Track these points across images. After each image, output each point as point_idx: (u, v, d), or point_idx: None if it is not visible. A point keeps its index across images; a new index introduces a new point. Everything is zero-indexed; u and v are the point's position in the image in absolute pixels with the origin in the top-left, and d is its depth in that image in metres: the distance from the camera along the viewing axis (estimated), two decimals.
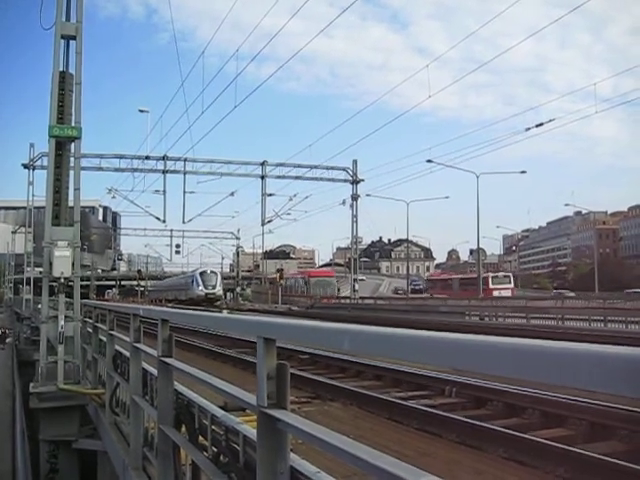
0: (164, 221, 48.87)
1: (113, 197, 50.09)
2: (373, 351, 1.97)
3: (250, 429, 2.90)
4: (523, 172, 60.98)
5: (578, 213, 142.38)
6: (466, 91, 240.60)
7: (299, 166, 47.79)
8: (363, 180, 49.56)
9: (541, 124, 33.60)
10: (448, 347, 1.50)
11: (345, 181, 49.60)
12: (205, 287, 65.80)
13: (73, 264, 12.49)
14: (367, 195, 51.02)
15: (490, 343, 1.40)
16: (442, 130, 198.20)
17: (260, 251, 68.64)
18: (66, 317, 12.44)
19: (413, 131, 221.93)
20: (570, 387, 1.08)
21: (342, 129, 43.01)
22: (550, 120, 33.44)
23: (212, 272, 69.56)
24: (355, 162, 49.46)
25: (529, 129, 34.26)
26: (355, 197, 49.58)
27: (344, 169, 49.25)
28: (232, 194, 50.95)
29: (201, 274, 67.93)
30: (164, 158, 44.83)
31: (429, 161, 42.13)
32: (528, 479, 5.41)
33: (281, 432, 2.45)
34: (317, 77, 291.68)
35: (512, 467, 5.68)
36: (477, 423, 6.77)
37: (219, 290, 68.12)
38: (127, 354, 6.61)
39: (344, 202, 50.13)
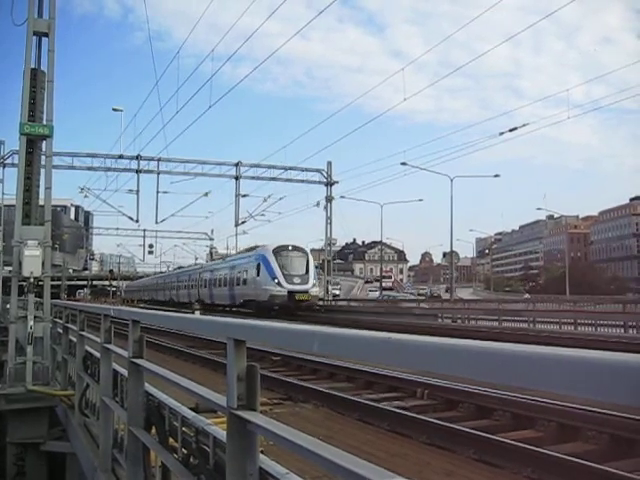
0: (137, 221, 48.30)
1: (85, 196, 49.55)
2: (342, 353, 1.98)
3: (220, 431, 2.90)
4: (497, 176, 61.31)
5: (550, 217, 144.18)
6: (441, 95, 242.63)
7: (274, 167, 47.73)
8: (337, 182, 49.58)
9: (515, 128, 33.91)
10: (416, 349, 1.51)
11: (319, 183, 49.59)
12: (287, 280, 35.96)
13: (43, 264, 12.35)
14: (341, 197, 50.86)
15: (461, 347, 1.41)
16: (417, 133, 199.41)
17: (234, 252, 59.16)
18: (36, 317, 12.31)
19: (388, 134, 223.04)
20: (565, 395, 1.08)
21: (317, 131, 43.17)
22: (524, 125, 33.74)
23: (295, 248, 38.47)
24: (330, 164, 49.46)
25: (503, 133, 34.55)
26: (329, 199, 49.57)
27: (318, 171, 49.26)
28: (206, 194, 50.60)
29: (276, 252, 37.15)
30: (138, 157, 44.43)
31: (403, 164, 42.24)
32: (496, 479, 5.46)
33: (251, 433, 2.45)
34: (293, 79, 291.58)
35: (481, 468, 5.72)
36: (448, 425, 6.81)
37: (314, 286, 37.89)
38: (97, 355, 6.56)
39: (318, 204, 49.93)
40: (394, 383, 9.73)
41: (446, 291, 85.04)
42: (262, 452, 2.63)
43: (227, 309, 45.26)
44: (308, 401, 9.23)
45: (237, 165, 48.28)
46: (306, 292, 36.44)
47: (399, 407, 8.05)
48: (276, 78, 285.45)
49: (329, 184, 49.40)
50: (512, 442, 6.01)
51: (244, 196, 49.03)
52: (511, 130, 34.04)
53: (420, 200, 72.18)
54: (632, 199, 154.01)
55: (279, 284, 36.07)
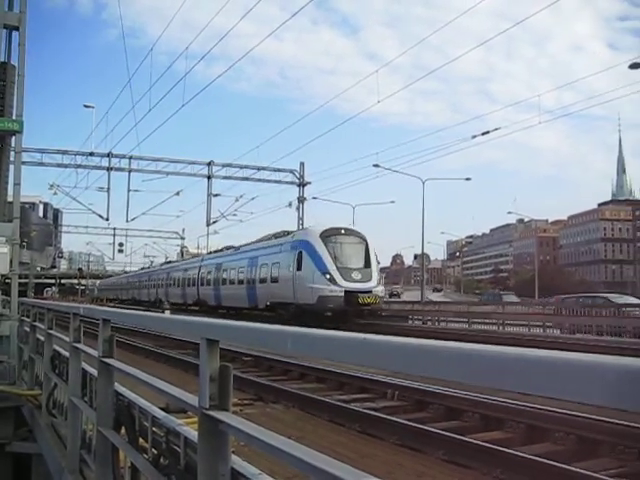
0: (107, 219, 47.71)
1: (55, 193, 48.89)
2: (317, 353, 1.98)
3: (191, 431, 2.88)
4: (468, 179, 61.94)
5: (520, 221, 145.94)
6: (415, 97, 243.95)
7: (246, 167, 47.49)
8: (310, 183, 49.56)
9: (487, 132, 34.22)
10: (393, 350, 1.52)
11: (292, 183, 49.58)
12: (344, 276, 26.55)
13: (11, 261, 12.16)
14: (313, 198, 50.81)
15: (436, 348, 1.42)
16: (390, 135, 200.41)
17: (205, 252, 57.38)
18: (2, 316, 12.11)
19: (362, 135, 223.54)
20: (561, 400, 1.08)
21: (290, 131, 42.98)
22: (495, 129, 34.01)
23: (349, 232, 29.14)
24: (302, 164, 49.43)
25: (475, 137, 34.81)
26: (301, 199, 49.56)
27: (291, 171, 49.21)
28: (178, 193, 50.16)
29: (326, 237, 27.80)
30: (109, 155, 43.91)
31: (376, 165, 42.30)
32: None
33: (223, 434, 2.44)
34: (267, 79, 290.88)
35: (451, 469, 5.77)
36: (418, 426, 6.85)
37: (379, 284, 28.69)
38: (66, 354, 6.47)
39: (290, 204, 49.90)
40: (365, 384, 9.76)
41: (434, 291, 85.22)
42: (233, 452, 2.61)
43: (233, 312, 36.04)
44: (279, 402, 9.22)
45: (209, 164, 48.00)
46: (370, 292, 26.15)
47: (370, 408, 8.08)
48: (250, 78, 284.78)
49: (301, 185, 49.39)
50: (482, 443, 6.07)
51: (216, 195, 48.76)
52: (483, 134, 34.36)
53: (392, 202, 72.41)
54: (600, 204, 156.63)
55: (333, 281, 25.88)
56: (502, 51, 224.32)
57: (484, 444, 6.03)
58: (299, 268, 27.48)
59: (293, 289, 27.54)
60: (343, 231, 28.74)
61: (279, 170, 48.64)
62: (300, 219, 49.49)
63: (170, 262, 61.78)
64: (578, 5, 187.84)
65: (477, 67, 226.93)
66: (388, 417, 7.38)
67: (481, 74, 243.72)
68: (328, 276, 26.25)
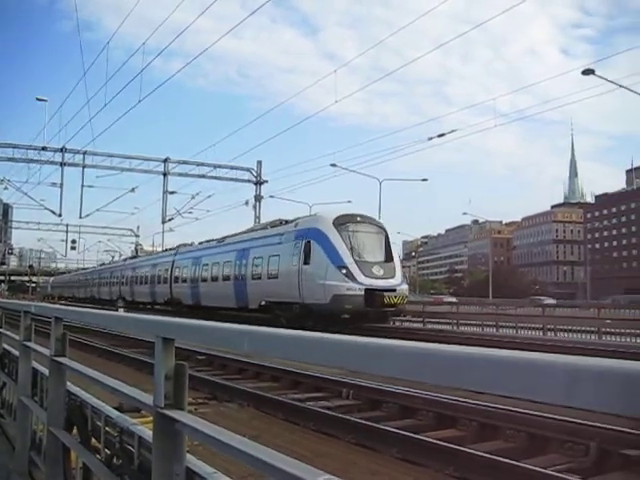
0: (60, 215, 46.86)
1: (5, 188, 47.87)
2: (274, 353, 1.99)
3: (146, 430, 2.85)
4: (424, 180, 62.48)
5: (475, 222, 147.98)
6: (372, 98, 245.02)
7: (203, 165, 47.17)
8: (267, 181, 49.51)
9: (443, 134, 34.69)
10: (350, 349, 1.53)
11: (249, 182, 49.43)
12: (364, 271, 22.69)
13: None
14: (270, 196, 50.72)
15: (389, 347, 1.43)
16: (348, 135, 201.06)
17: (160, 249, 56.51)
18: None
19: (320, 134, 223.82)
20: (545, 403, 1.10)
21: (248, 129, 42.88)
22: (452, 131, 34.50)
23: (366, 220, 25.04)
24: (259, 163, 49.35)
25: (431, 138, 35.20)
26: (258, 198, 49.45)
27: (248, 169, 49.06)
28: (133, 190, 49.57)
29: (340, 225, 23.84)
30: (62, 150, 43.08)
31: (333, 165, 42.50)
32: (420, 478, 5.56)
33: (178, 433, 2.42)
34: (226, 76, 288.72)
35: (405, 467, 5.82)
36: (372, 424, 6.91)
37: (403, 282, 25.14)
38: (16, 353, 6.34)
39: (247, 203, 49.71)
40: (320, 383, 9.79)
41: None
42: (188, 451, 2.60)
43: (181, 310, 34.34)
44: (233, 401, 9.19)
45: (165, 161, 47.52)
46: (393, 291, 22.60)
47: (325, 407, 8.11)
48: (207, 75, 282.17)
49: (258, 183, 49.29)
50: (435, 441, 6.15)
51: (172, 193, 48.30)
52: (439, 136, 34.80)
53: (349, 202, 72.53)
54: (553, 206, 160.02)
55: (351, 277, 22.03)
56: (459, 54, 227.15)
57: (437, 442, 6.11)
58: (307, 261, 23.29)
59: (298, 286, 23.38)
60: (359, 218, 24.54)
61: (236, 168, 48.47)
62: (257, 218, 49.36)
63: (136, 257, 58.20)
64: (534, 11, 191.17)
65: (435, 69, 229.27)
66: (343, 416, 7.42)
67: (438, 76, 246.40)
68: (344, 271, 22.17)
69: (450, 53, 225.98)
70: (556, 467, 5.48)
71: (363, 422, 7.04)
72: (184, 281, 36.05)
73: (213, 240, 35.77)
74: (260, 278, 26.84)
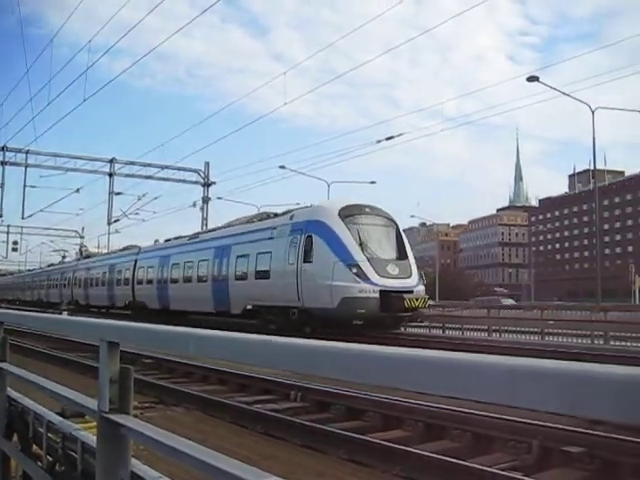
0: (1, 216, 45.61)
1: None
2: (219, 355, 1.98)
3: (90, 435, 2.81)
4: (373, 182, 62.80)
5: (422, 224, 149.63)
6: (322, 100, 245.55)
7: (150, 165, 46.51)
8: (215, 183, 49.17)
9: (391, 137, 35.01)
10: (296, 352, 1.54)
11: (196, 183, 49.02)
12: (378, 270, 19.59)
13: None
14: (218, 198, 50.41)
15: (337, 349, 1.45)
16: (298, 137, 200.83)
17: (105, 251, 53.49)
18: None
19: (270, 136, 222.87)
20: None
21: (197, 130, 42.54)
22: (400, 134, 34.86)
23: (374, 211, 21.80)
24: (207, 164, 49.00)
25: (380, 141, 35.51)
26: (206, 199, 49.07)
27: (196, 171, 48.65)
28: (77, 191, 48.47)
29: (347, 216, 20.73)
30: (3, 149, 41.91)
31: (282, 167, 42.60)
32: (366, 478, 5.60)
33: (123, 437, 2.39)
34: (174, 76, 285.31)
35: (352, 468, 5.86)
36: (320, 426, 6.93)
37: (421, 283, 21.63)
38: None
39: (194, 204, 49.30)
40: (268, 386, 9.77)
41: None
42: (134, 456, 2.57)
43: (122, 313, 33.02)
44: (180, 404, 9.09)
45: (111, 162, 46.69)
46: (410, 292, 19.78)
47: (272, 410, 8.10)
48: (155, 74, 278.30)
49: (206, 185, 48.92)
50: (381, 442, 6.21)
51: (118, 194, 47.49)
52: (387, 139, 35.11)
53: (297, 204, 72.52)
54: (499, 210, 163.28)
55: (363, 277, 19.12)
56: (408, 58, 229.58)
57: (384, 443, 6.17)
58: (307, 259, 20.29)
59: (297, 288, 20.34)
60: (367, 209, 21.49)
61: (184, 169, 48.00)
62: (204, 219, 48.97)
63: (90, 256, 53.48)
64: (482, 18, 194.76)
65: (384, 73, 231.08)
66: (290, 418, 7.43)
67: (387, 80, 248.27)
68: (355, 270, 19.15)
69: (399, 57, 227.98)
70: (500, 465, 5.58)
71: (310, 424, 7.06)
72: (149, 282, 32.73)
73: (184, 237, 32.54)
74: (245, 279, 23.70)
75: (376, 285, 19.17)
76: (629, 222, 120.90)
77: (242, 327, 19.99)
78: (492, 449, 6.29)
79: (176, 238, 33.49)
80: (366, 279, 19.16)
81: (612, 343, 18.97)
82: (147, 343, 2.60)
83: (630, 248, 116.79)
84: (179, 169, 47.59)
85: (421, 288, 21.00)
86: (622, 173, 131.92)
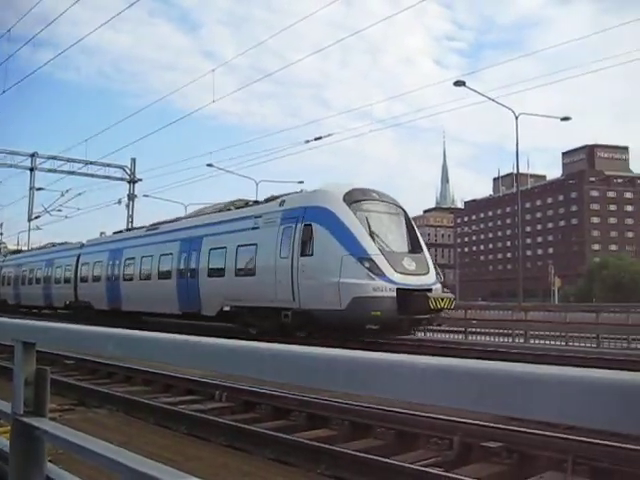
0: None
1: None
2: (140, 355, 1.94)
3: (2, 440, 2.71)
4: (300, 182, 62.84)
5: None
6: (251, 99, 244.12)
7: (73, 161, 45.28)
8: (141, 180, 48.34)
9: (319, 137, 35.18)
10: (213, 351, 1.52)
11: (122, 179, 48.03)
12: (394, 266, 16.72)
13: None
14: (144, 195, 49.58)
15: (255, 349, 1.44)
16: (227, 135, 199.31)
17: (26, 248, 50.85)
18: None
19: (198, 133, 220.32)
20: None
21: (123, 126, 41.68)
22: (328, 135, 35.09)
23: (381, 196, 19.10)
24: (133, 160, 48.13)
25: (308, 142, 35.64)
26: (132, 197, 48.15)
27: (122, 167, 47.67)
28: None
29: (354, 202, 17.85)
30: None
31: (210, 165, 42.18)
32: (292, 478, 5.60)
33: (38, 441, 2.32)
34: (100, 70, 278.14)
35: (277, 467, 5.85)
36: (245, 426, 6.90)
37: (437, 281, 18.08)
38: None
39: (120, 201, 48.30)
40: (193, 386, 9.65)
41: None
42: (50, 461, 2.49)
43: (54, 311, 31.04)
44: (102, 406, 8.88)
45: (33, 156, 45.26)
46: (429, 291, 17.21)
47: (197, 410, 8.01)
48: (80, 68, 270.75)
49: (132, 181, 48.01)
50: (307, 441, 6.23)
51: (39, 189, 46.11)
52: (316, 139, 35.28)
53: None
54: (425, 211, 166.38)
55: (378, 273, 16.46)
56: (338, 59, 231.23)
57: (309, 442, 6.19)
58: (306, 252, 17.46)
59: (292, 286, 17.53)
60: (375, 194, 18.89)
61: (109, 165, 46.96)
62: (130, 217, 48.04)
63: (21, 251, 49.42)
64: (411, 22, 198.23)
65: (314, 73, 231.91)
66: (215, 418, 7.36)
67: (317, 80, 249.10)
68: (368, 264, 16.39)
69: (329, 58, 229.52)
70: (422, 462, 5.68)
71: (235, 424, 7.02)
72: (96, 280, 29.13)
73: (140, 228, 29.24)
74: (222, 275, 20.62)
75: (393, 282, 16.41)
76: (550, 225, 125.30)
77: (217, 331, 18.50)
78: (416, 446, 6.39)
79: (128, 230, 30.62)
80: (381, 275, 16.37)
81: (532, 342, 19.59)
82: (65, 343, 2.52)
83: (551, 250, 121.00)
84: (104, 165, 46.53)
85: (439, 287, 18.11)
86: (544, 177, 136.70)
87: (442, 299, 17.09)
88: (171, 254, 23.59)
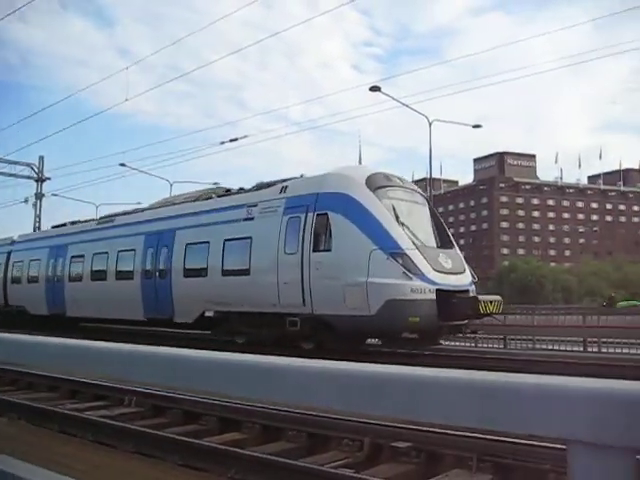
0: None
1: None
2: (26, 360, 1.86)
3: None
4: (216, 184, 62.38)
5: None
6: (167, 98, 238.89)
7: None
8: (49, 178, 46.73)
9: (235, 139, 34.96)
10: (106, 356, 1.47)
11: (29, 178, 46.26)
12: (434, 266, 14.21)
13: None
14: (53, 195, 47.89)
15: (142, 353, 1.40)
16: (141, 134, 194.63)
17: None
18: None
19: (110, 132, 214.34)
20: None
21: (30, 122, 40.17)
22: (244, 136, 34.88)
23: (402, 182, 16.68)
24: (42, 158, 46.45)
25: (224, 143, 35.36)
26: (39, 196, 46.47)
27: (29, 165, 45.92)
28: None
29: (377, 191, 15.04)
30: None
31: (122, 165, 41.26)
32: None
33: None
34: (5, 62, 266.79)
35: (187, 473, 5.75)
36: (153, 432, 6.76)
37: (472, 282, 15.65)
38: None
39: (26, 200, 46.56)
40: (101, 391, 9.38)
41: None
42: None
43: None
44: (4, 414, 8.50)
45: None
46: (466, 292, 15.07)
47: (105, 416, 7.79)
48: None
49: (40, 180, 46.34)
50: (217, 445, 6.16)
51: None
52: (232, 140, 35.04)
53: (139, 203, 70.63)
54: None
55: (415, 272, 14.01)
56: (256, 61, 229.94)
57: (219, 446, 6.13)
58: (320, 246, 14.89)
59: (302, 287, 14.87)
60: (398, 180, 16.34)
61: (15, 163, 45.12)
62: (37, 217, 46.35)
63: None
64: (329, 26, 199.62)
65: (232, 74, 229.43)
66: (122, 424, 7.17)
67: (235, 81, 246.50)
68: (401, 261, 13.90)
69: (248, 59, 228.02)
70: (333, 464, 5.72)
71: (144, 430, 6.86)
72: (33, 281, 25.35)
73: (87, 221, 25.50)
74: (204, 275, 17.67)
75: (432, 283, 13.97)
76: (462, 229, 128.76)
77: (194, 340, 16.42)
78: (327, 448, 6.42)
79: (73, 223, 26.28)
80: (419, 274, 13.90)
81: (446, 343, 20.05)
82: None
83: (463, 253, 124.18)
84: (9, 162, 44.68)
85: (474, 288, 15.80)
86: (456, 182, 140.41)
87: (491, 302, 14.71)
88: (133, 250, 20.33)
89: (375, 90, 30.77)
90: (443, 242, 15.91)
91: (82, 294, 22.48)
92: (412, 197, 16.24)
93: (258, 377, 1.14)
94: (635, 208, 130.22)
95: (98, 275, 21.85)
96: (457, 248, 16.34)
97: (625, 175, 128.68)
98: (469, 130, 36.55)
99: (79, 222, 25.95)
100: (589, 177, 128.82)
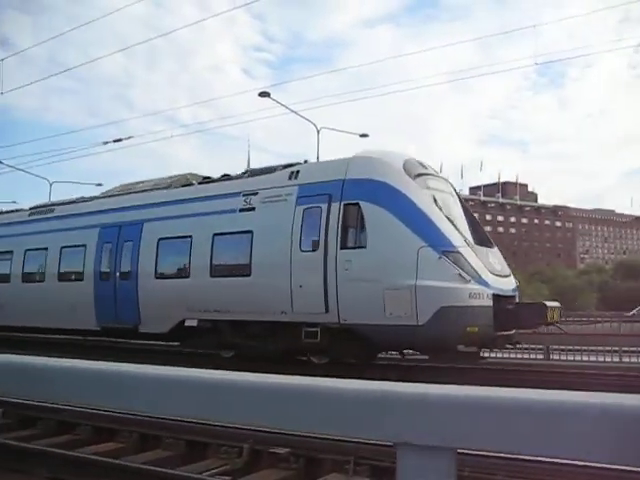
0: None
1: None
2: None
3: None
4: (99, 185, 60.41)
5: None
6: (49, 94, 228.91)
7: None
8: None
9: (119, 140, 34.00)
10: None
11: None
12: (488, 267, 12.03)
13: None
14: None
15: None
16: (20, 131, 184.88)
17: None
18: None
19: None
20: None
21: None
22: (129, 137, 33.99)
23: (432, 170, 14.10)
24: None
25: (107, 143, 34.35)
26: None
27: None
28: None
29: (417, 178, 12.75)
30: None
31: None
32: None
33: None
34: None
35: None
36: (20, 444, 6.42)
37: (516, 286, 13.05)
38: None
39: None
40: None
41: None
42: None
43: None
44: None
45: None
46: (512, 297, 12.79)
47: None
48: None
49: None
50: (90, 456, 5.97)
51: None
52: (115, 141, 34.05)
53: (14, 202, 67.37)
54: None
55: (472, 273, 11.70)
56: (145, 60, 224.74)
57: (93, 457, 5.93)
58: (352, 242, 12.50)
59: (325, 291, 12.36)
60: (429, 168, 14.04)
61: None
62: None
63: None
64: (220, 29, 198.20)
65: (119, 72, 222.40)
66: None
67: (122, 79, 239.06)
68: (456, 261, 11.75)
69: (136, 58, 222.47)
70: (211, 471, 5.65)
71: (9, 442, 6.50)
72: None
73: (15, 211, 22.03)
74: (186, 276, 14.75)
75: (489, 287, 11.92)
76: None
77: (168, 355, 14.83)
78: (205, 455, 6.32)
79: (15, 211, 22.13)
80: (476, 277, 11.80)
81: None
82: None
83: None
84: None
85: (518, 293, 13.56)
86: None
87: (553, 309, 12.63)
88: (84, 246, 16.88)
89: (264, 96, 30.69)
90: (482, 240, 13.38)
91: (10, 299, 18.60)
92: (447, 188, 13.96)
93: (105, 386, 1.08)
94: (512, 219, 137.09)
95: (32, 276, 18.47)
96: (496, 247, 13.91)
97: (503, 187, 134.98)
98: (357, 139, 36.90)
99: (14, 211, 22.19)
100: (470, 188, 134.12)
